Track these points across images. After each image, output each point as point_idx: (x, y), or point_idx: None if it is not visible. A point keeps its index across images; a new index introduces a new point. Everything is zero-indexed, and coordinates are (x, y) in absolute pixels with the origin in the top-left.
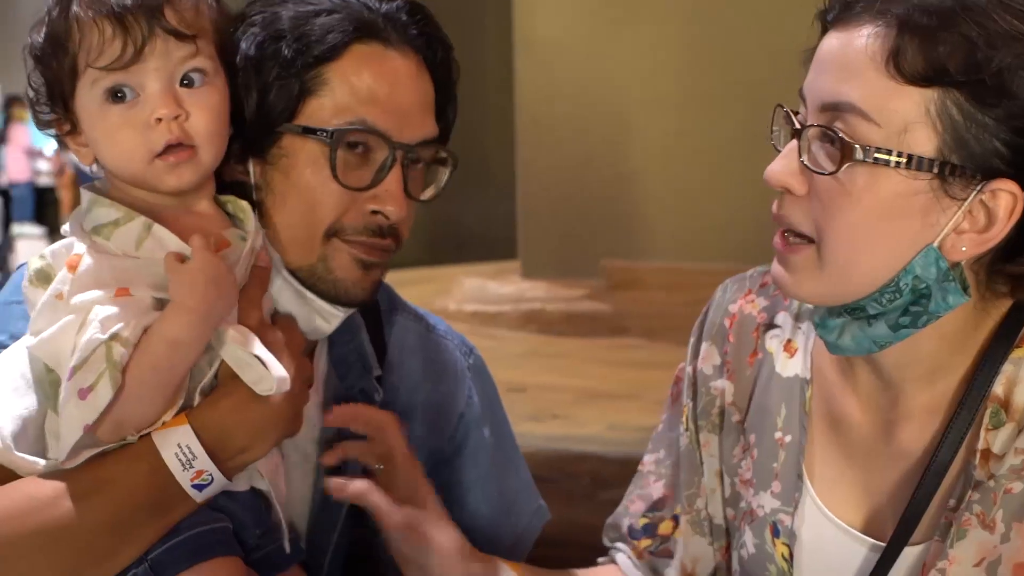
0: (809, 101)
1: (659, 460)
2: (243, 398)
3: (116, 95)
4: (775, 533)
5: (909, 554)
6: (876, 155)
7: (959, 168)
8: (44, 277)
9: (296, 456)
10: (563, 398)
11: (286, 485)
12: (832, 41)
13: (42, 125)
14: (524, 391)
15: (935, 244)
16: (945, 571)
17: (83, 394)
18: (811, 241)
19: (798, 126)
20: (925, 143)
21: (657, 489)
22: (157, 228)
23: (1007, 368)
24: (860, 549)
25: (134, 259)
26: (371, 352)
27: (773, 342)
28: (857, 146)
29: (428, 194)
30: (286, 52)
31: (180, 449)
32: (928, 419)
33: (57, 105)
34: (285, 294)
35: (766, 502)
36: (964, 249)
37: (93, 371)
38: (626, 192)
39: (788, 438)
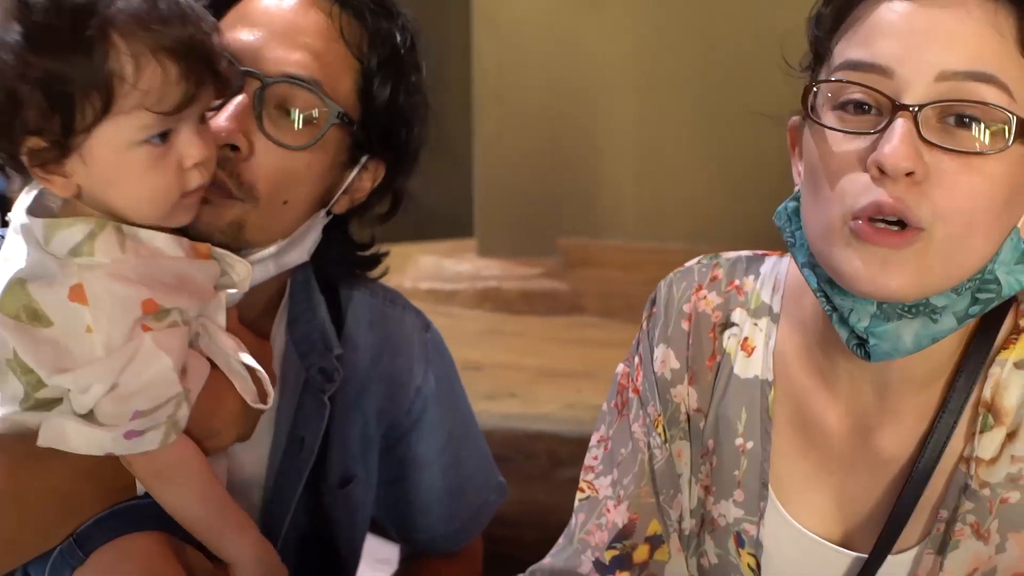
0: (916, 71)
1: (616, 482)
2: (213, 389)
3: (159, 137)
4: (739, 543)
5: (892, 564)
6: (1016, 129)
7: None
8: (33, 315)
9: (249, 442)
10: (520, 377)
11: (238, 469)
12: (922, 10)
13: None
14: (480, 370)
15: (1020, 224)
16: None
17: (130, 436)
18: (917, 230)
19: (910, 103)
20: None
21: (620, 514)
22: (125, 227)
23: (994, 371)
24: (835, 560)
25: (129, 261)
26: (332, 331)
27: (731, 342)
28: (1015, 120)
29: (296, 139)
30: None
31: None
32: (913, 424)
33: (54, 135)
34: None
35: (728, 511)
36: None
37: (153, 421)
38: (583, 170)
39: (750, 444)
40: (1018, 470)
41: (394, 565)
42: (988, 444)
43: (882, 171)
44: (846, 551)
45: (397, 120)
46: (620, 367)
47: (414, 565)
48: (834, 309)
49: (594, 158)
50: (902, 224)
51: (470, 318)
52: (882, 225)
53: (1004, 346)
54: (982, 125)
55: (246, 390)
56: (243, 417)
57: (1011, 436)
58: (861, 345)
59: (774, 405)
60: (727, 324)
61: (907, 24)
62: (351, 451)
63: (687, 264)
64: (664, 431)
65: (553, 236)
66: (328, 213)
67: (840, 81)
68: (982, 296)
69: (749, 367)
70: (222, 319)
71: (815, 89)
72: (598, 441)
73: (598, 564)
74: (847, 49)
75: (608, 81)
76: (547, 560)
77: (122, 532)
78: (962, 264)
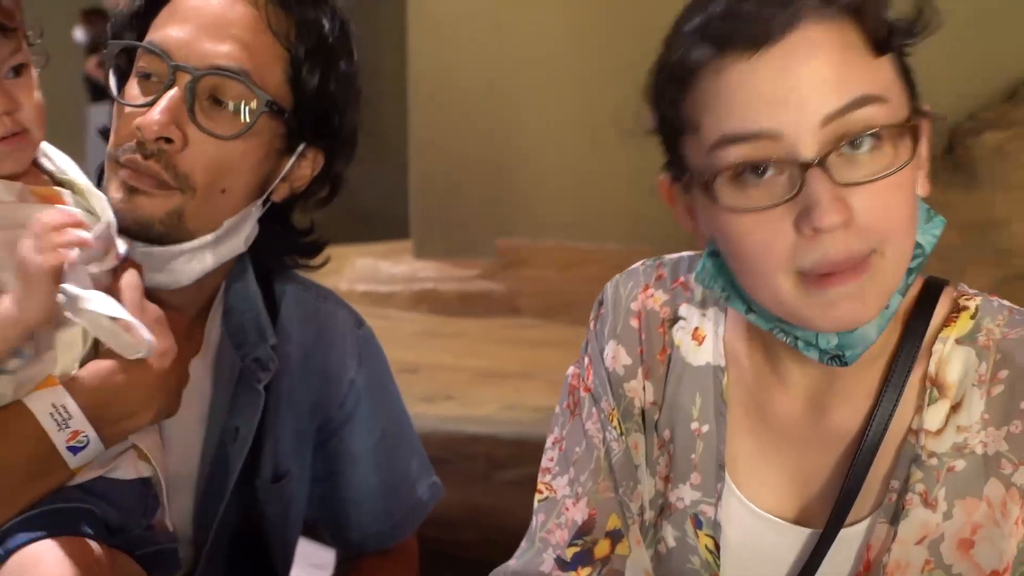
0: (800, 125)
1: (573, 480)
2: (123, 365)
3: None
4: (697, 525)
5: (846, 536)
6: (907, 128)
7: (917, 107)
8: None
9: (182, 431)
10: (457, 378)
11: (171, 462)
12: (775, 62)
13: None
14: (417, 372)
15: (918, 190)
16: (889, 551)
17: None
18: (869, 256)
19: (811, 157)
20: (906, 106)
21: (580, 511)
22: None
23: (937, 347)
24: (792, 537)
25: None
26: (267, 321)
27: (680, 334)
28: (904, 128)
29: (228, 129)
30: None
31: (55, 409)
32: (861, 401)
33: None
34: None
35: (686, 494)
36: (923, 185)
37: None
38: (519, 171)
39: (706, 428)
40: (963, 439)
41: (330, 571)
42: (934, 416)
43: (817, 231)
44: (801, 528)
45: (329, 107)
46: (571, 369)
47: (350, 566)
48: (796, 339)
49: (531, 157)
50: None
51: (407, 320)
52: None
53: (946, 324)
54: (881, 144)
55: (121, 346)
56: (159, 391)
57: (955, 408)
58: (836, 358)
59: (728, 389)
60: (675, 319)
61: (771, 84)
62: (285, 446)
63: (631, 267)
64: (619, 424)
65: (490, 237)
66: (267, 201)
67: (729, 157)
68: (914, 264)
69: (701, 355)
70: (92, 269)
71: (704, 180)
72: (552, 443)
73: (559, 561)
74: (719, 124)
75: (544, 79)
76: (511, 562)
77: (48, 532)
78: (905, 261)
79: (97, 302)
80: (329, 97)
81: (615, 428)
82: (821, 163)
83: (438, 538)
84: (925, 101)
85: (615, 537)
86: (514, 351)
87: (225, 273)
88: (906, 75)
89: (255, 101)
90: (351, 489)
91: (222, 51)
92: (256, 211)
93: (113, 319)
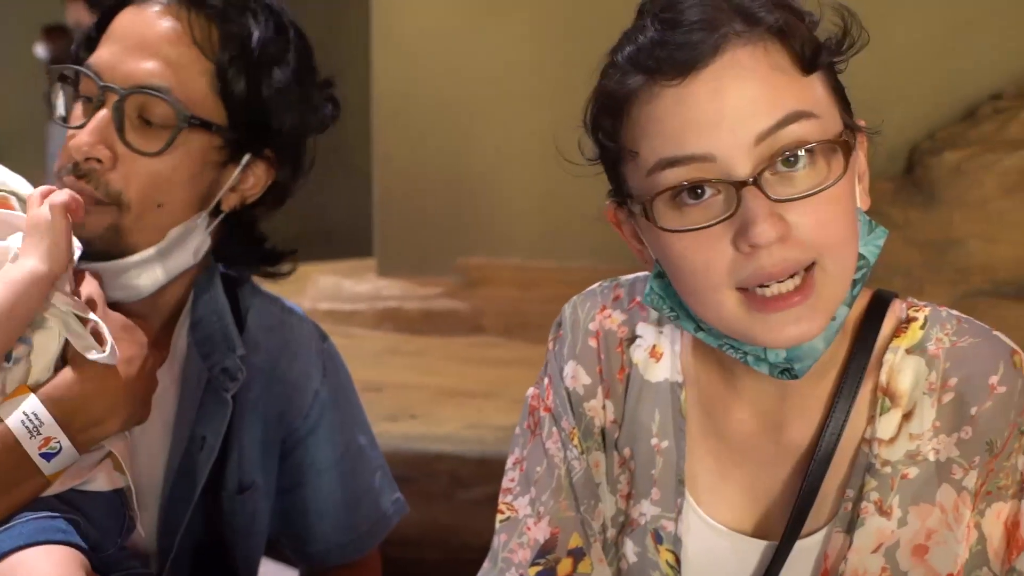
0: (733, 145)
1: (534, 499)
2: (92, 371)
3: None
4: (658, 540)
5: (803, 547)
6: (838, 143)
7: (851, 123)
8: None
9: (147, 439)
10: (421, 397)
11: (137, 471)
12: (705, 86)
13: None
14: (381, 390)
15: (859, 204)
16: (846, 560)
17: None
18: (811, 271)
19: (745, 176)
20: (838, 121)
21: (542, 530)
22: None
23: (888, 358)
24: (750, 550)
25: None
26: (235, 332)
27: (637, 352)
28: (836, 144)
29: (154, 146)
30: None
31: (26, 416)
32: (814, 414)
33: None
34: None
35: (647, 510)
36: (863, 198)
37: None
38: (482, 189)
39: (665, 443)
40: (915, 447)
41: None
42: (887, 425)
43: (754, 247)
44: (760, 541)
45: (264, 115)
46: (531, 390)
47: None
48: (746, 354)
49: (494, 175)
50: (793, 277)
51: (370, 338)
52: (776, 293)
53: (895, 334)
54: (815, 159)
55: (85, 347)
56: (123, 399)
57: (907, 416)
58: (786, 371)
59: (686, 404)
60: (633, 338)
61: (702, 108)
62: (251, 456)
63: (588, 288)
64: (580, 443)
65: (453, 255)
66: (217, 212)
67: (668, 181)
68: (858, 276)
69: (659, 371)
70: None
71: (643, 203)
72: (513, 463)
73: None
74: (655, 150)
75: (506, 97)
76: None
77: (32, 540)
78: (848, 275)
79: (66, 301)
80: (262, 104)
81: (576, 447)
82: (755, 181)
83: (402, 557)
84: (886, 121)
85: (577, 555)
86: (477, 370)
87: (190, 284)
88: (838, 91)
89: (174, 117)
90: (315, 501)
91: (145, 69)
92: (203, 222)
93: (80, 319)
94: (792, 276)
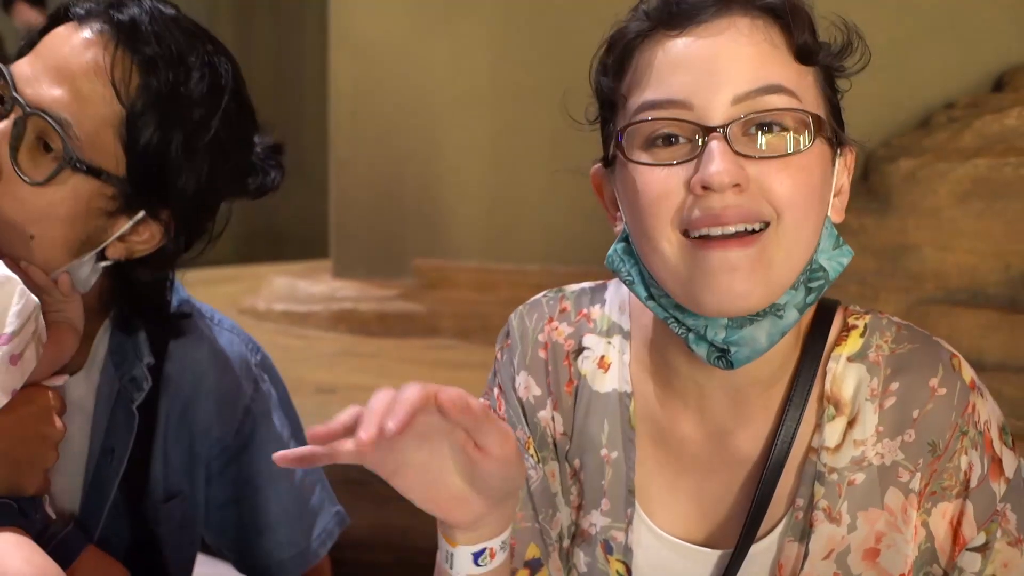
0: (712, 98)
1: None
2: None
3: None
4: (608, 550)
5: (755, 554)
6: (813, 119)
7: (838, 132)
8: None
9: (67, 447)
10: None
11: (58, 479)
12: (701, 41)
13: None
14: (335, 392)
15: (828, 214)
16: (800, 569)
17: (14, 360)
18: (763, 227)
19: (716, 125)
20: (826, 114)
21: None
22: None
23: (831, 366)
24: (701, 560)
25: None
26: (144, 341)
27: (586, 364)
28: (810, 117)
29: (37, 175)
30: None
31: None
32: (763, 423)
33: None
34: None
35: (597, 520)
36: (838, 211)
37: (23, 341)
38: (439, 191)
39: (615, 454)
40: (860, 453)
41: None
42: (832, 432)
43: (707, 188)
44: (711, 550)
45: (167, 174)
46: (480, 400)
47: None
48: (688, 330)
49: (450, 178)
50: (742, 234)
51: (325, 340)
52: (719, 235)
53: (837, 343)
54: (785, 130)
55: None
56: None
57: (851, 423)
58: (722, 356)
59: (635, 415)
60: (580, 350)
61: (693, 58)
62: (175, 467)
63: (533, 298)
64: (536, 452)
65: (409, 257)
66: (103, 258)
67: (645, 120)
68: (814, 285)
69: (607, 382)
70: None
71: (621, 135)
72: None
73: None
74: (642, 93)
75: (462, 100)
76: None
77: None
78: (798, 256)
79: None
80: (167, 164)
81: (532, 456)
82: (723, 130)
83: (354, 560)
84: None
85: (534, 566)
86: (433, 372)
87: (113, 294)
88: (831, 101)
89: (62, 154)
90: (256, 515)
91: (52, 96)
92: (87, 265)
93: None
94: (742, 230)
